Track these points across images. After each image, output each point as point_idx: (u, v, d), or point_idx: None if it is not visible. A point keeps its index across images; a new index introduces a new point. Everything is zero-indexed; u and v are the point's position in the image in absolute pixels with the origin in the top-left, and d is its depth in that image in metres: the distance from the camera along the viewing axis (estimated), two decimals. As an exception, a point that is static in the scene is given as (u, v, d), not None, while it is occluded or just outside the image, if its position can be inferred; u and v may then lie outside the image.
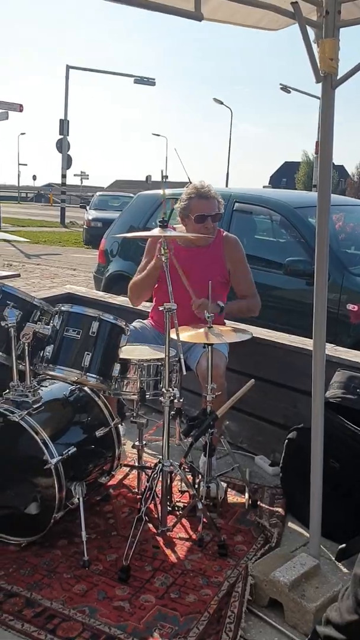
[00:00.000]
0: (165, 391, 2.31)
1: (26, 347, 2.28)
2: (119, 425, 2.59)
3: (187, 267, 2.80)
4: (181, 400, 2.36)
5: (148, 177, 40.01)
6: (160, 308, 2.26)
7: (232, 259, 2.97)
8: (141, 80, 23.20)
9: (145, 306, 3.69)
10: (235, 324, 3.09)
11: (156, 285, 3.02)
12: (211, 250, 2.96)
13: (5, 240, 15.07)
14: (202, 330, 2.48)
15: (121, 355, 2.40)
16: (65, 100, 21.72)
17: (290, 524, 2.55)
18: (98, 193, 18.82)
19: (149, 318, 3.18)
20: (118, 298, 4.13)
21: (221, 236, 3.00)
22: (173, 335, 2.24)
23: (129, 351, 2.52)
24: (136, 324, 3.08)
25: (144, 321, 3.14)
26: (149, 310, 3.26)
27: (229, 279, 2.98)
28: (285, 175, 54.13)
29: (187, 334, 2.44)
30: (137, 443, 2.65)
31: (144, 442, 2.67)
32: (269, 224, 5.11)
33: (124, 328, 2.40)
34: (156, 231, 2.41)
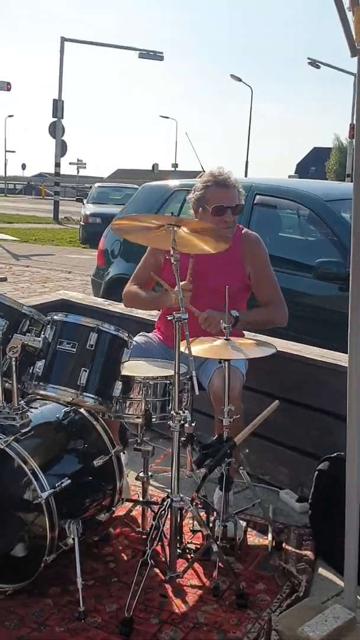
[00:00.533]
0: (174, 414, 2.31)
1: (13, 363, 2.28)
2: (121, 454, 2.59)
3: (200, 271, 2.80)
4: (193, 424, 2.36)
5: (155, 166, 40.33)
6: (169, 318, 2.26)
7: (252, 260, 2.96)
8: (147, 55, 23.35)
9: (152, 315, 3.70)
10: (256, 336, 3.08)
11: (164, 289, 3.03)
12: (228, 250, 2.97)
13: (-11, 238, 15.19)
14: (217, 343, 2.48)
15: (123, 372, 2.40)
16: (59, 78, 21.97)
17: (321, 570, 2.53)
18: (97, 184, 18.94)
19: (155, 330, 3.17)
20: (119, 305, 4.12)
21: (240, 233, 2.99)
22: (183, 349, 2.24)
23: (132, 367, 2.52)
24: (139, 338, 3.06)
25: (149, 334, 3.13)
26: (155, 320, 3.28)
27: (250, 284, 2.98)
28: (314, 163, 54.18)
29: (200, 348, 2.44)
30: (141, 474, 2.65)
31: (150, 474, 2.67)
32: (295, 219, 5.10)
33: (126, 340, 2.40)
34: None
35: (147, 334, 3.14)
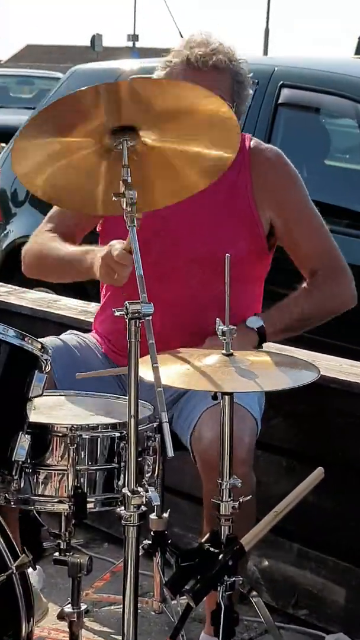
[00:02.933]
0: (129, 494, 2.29)
1: None
2: (29, 570, 2.57)
3: (172, 221, 2.82)
4: (165, 514, 2.37)
5: (96, 39, 40.29)
6: (117, 312, 2.25)
7: (271, 196, 3.00)
8: None
9: (90, 309, 3.68)
10: (282, 347, 3.10)
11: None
12: (224, 180, 2.93)
13: None
14: (211, 361, 2.47)
15: (33, 417, 2.41)
16: None
17: None
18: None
19: (93, 331, 3.23)
20: (29, 294, 4.12)
21: (245, 150, 3.01)
22: (145, 374, 2.23)
23: (50, 407, 2.54)
24: (68, 336, 3.12)
25: (87, 336, 3.19)
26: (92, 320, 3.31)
27: (266, 242, 3.02)
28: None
29: (177, 371, 2.45)
30: (69, 608, 2.63)
31: (85, 607, 2.66)
32: (355, 136, 5.12)
33: (38, 357, 2.40)
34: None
35: (82, 334, 3.20)
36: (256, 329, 2.82)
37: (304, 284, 3.02)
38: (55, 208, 3.12)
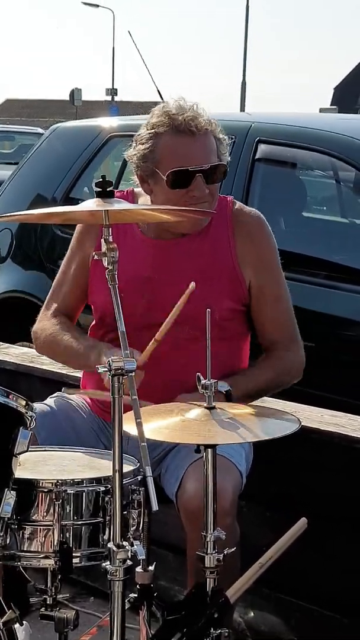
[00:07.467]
0: (114, 549, 2.29)
1: None
2: (16, 626, 2.55)
3: (158, 283, 2.83)
4: (151, 567, 2.35)
5: (75, 93, 40.56)
6: (101, 370, 2.26)
7: (252, 258, 3.02)
8: None
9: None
10: (263, 399, 3.11)
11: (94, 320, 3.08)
12: (207, 241, 3.01)
13: None
14: (194, 414, 2.48)
15: (18, 473, 2.40)
16: None
17: None
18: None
19: (82, 388, 3.21)
20: (12, 349, 4.11)
21: (228, 212, 3.05)
22: (130, 429, 2.24)
23: (35, 463, 2.53)
24: (52, 401, 3.11)
25: (74, 397, 3.17)
26: (78, 375, 3.31)
27: (249, 303, 3.03)
28: (364, 87, 55.03)
29: (161, 425, 2.45)
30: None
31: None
32: (331, 187, 5.16)
33: (22, 414, 2.40)
34: (91, 204, 2.42)
35: (69, 396, 3.17)
36: (224, 392, 2.81)
37: (265, 355, 3.06)
38: (52, 289, 3.17)
